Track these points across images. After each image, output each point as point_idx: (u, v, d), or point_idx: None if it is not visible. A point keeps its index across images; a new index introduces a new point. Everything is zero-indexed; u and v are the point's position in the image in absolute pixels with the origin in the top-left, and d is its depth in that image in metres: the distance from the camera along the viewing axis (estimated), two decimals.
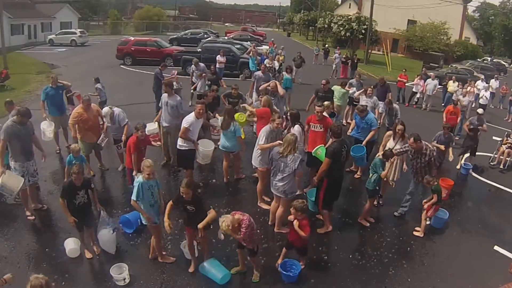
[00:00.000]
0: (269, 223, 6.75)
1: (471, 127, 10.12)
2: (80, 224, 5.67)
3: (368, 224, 7.13)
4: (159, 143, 8.18)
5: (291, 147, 5.91)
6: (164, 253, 5.73)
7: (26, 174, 6.52)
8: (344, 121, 13.04)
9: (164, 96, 8.57)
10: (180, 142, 7.42)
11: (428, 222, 7.10)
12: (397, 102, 13.99)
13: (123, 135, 7.95)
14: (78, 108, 7.94)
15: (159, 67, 12.70)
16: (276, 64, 17.30)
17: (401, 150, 7.19)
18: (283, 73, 14.43)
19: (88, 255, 5.72)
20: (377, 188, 7.00)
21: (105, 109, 8.22)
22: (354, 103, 11.99)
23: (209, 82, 12.13)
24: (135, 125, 7.10)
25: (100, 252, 5.81)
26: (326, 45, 32.73)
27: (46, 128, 8.74)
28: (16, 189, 6.26)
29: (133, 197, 5.23)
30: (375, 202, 7.75)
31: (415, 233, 6.93)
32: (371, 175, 6.92)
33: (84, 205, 5.61)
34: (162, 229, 5.49)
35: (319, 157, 6.72)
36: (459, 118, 11.79)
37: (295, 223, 5.26)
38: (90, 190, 5.72)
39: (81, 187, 5.51)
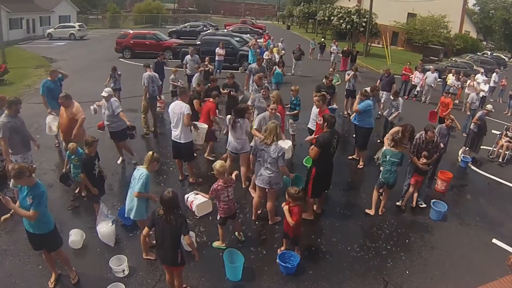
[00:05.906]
0: (253, 218, 6.72)
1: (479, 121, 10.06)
2: (100, 194, 6.18)
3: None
4: None
5: (273, 135, 5.90)
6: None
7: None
8: (345, 113, 13.44)
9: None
10: (185, 135, 7.37)
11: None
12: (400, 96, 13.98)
13: (127, 121, 7.99)
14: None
15: (158, 57, 12.98)
16: (276, 57, 17.23)
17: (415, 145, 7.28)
18: (275, 67, 14.45)
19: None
20: None
21: (107, 89, 8.13)
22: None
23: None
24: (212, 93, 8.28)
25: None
26: (323, 39, 31.64)
27: (51, 121, 8.67)
28: None
29: (139, 189, 5.18)
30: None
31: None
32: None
33: (100, 173, 6.20)
34: None
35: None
36: (449, 109, 11.76)
37: (285, 207, 5.31)
38: (98, 159, 6.24)
39: (95, 156, 6.10)
